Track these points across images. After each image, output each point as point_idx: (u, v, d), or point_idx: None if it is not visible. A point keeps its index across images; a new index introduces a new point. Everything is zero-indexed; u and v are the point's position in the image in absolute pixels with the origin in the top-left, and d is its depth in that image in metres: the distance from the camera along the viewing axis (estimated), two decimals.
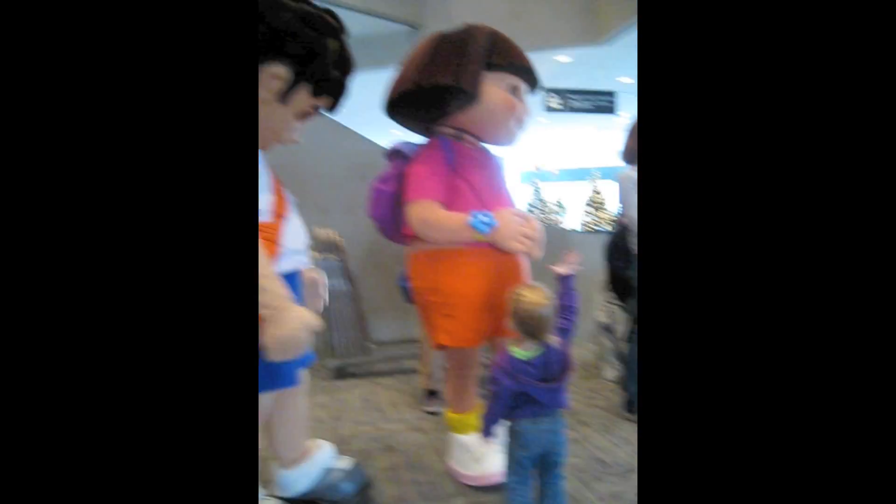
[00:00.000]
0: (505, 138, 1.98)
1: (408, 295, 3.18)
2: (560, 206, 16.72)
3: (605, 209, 15.08)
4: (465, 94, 1.79)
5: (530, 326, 1.53)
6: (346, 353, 3.50)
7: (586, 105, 7.32)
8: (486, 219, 1.73)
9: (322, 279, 1.68)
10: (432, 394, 2.88)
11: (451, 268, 1.82)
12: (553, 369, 1.56)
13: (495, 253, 1.80)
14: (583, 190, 16.23)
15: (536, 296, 1.55)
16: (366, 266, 3.97)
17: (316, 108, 1.52)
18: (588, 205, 15.86)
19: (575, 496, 1.87)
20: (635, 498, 1.84)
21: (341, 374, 3.50)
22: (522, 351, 1.55)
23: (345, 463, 1.85)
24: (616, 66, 7.03)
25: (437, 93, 1.79)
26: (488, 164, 1.96)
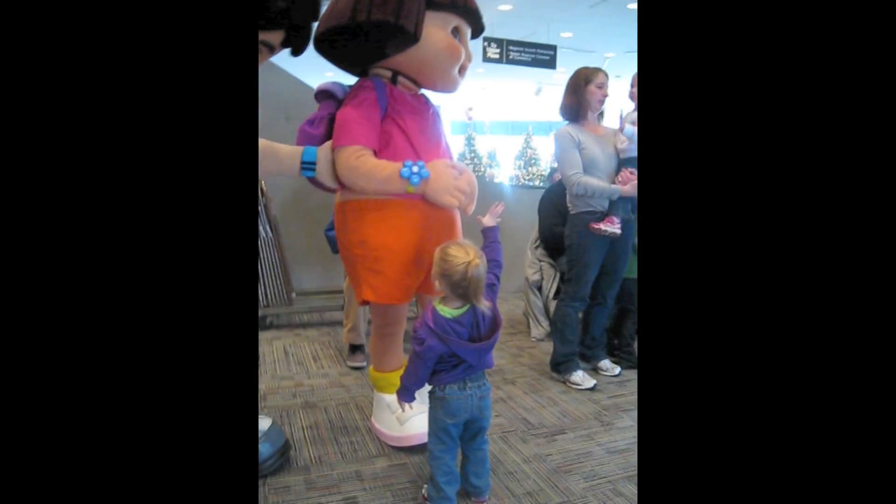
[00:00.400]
0: (445, 85, 1.82)
1: (334, 245, 3.05)
2: (492, 159, 16.69)
3: (536, 164, 15.20)
4: (404, 34, 1.62)
5: (463, 288, 1.43)
6: (268, 303, 3.34)
7: (525, 57, 7.17)
8: (417, 170, 1.61)
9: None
10: (356, 348, 2.79)
11: (379, 220, 1.69)
12: (482, 327, 1.49)
13: (427, 206, 1.69)
14: (514, 144, 16.26)
15: (468, 254, 1.44)
16: (289, 212, 3.77)
17: (267, 46, 1.32)
18: (518, 158, 15.93)
19: (499, 457, 1.85)
20: (561, 460, 1.85)
21: (262, 324, 3.34)
22: (449, 309, 1.46)
23: (263, 422, 1.73)
24: (558, 19, 6.91)
25: (373, 30, 1.62)
26: (425, 112, 1.81)
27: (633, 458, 1.86)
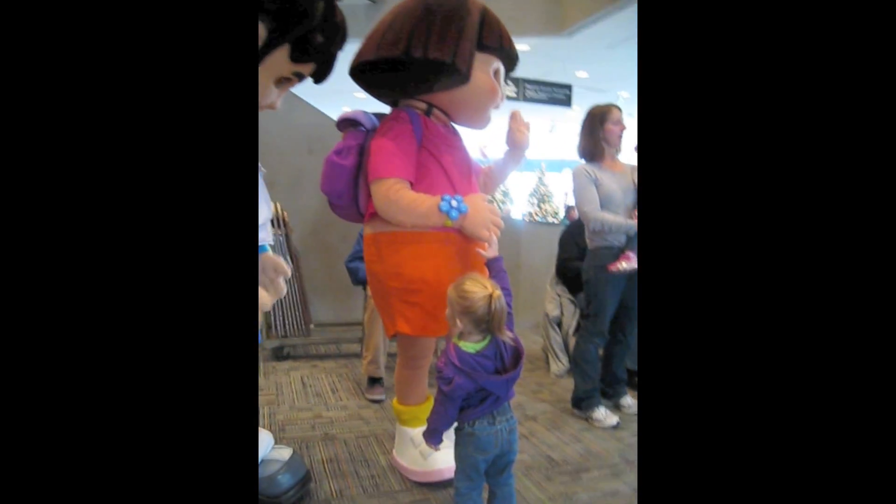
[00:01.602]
0: (479, 123, 1.86)
1: (355, 276, 3.06)
2: (506, 194, 16.78)
3: (549, 201, 15.25)
4: (457, 74, 1.65)
5: (486, 322, 1.41)
6: (285, 334, 3.33)
7: (541, 96, 7.29)
8: (456, 204, 1.62)
9: (286, 270, 1.54)
10: (375, 381, 2.76)
11: (416, 253, 1.69)
12: (505, 358, 1.46)
13: (460, 239, 1.69)
14: (528, 181, 16.35)
15: (486, 287, 1.41)
16: (308, 244, 3.80)
17: (297, 76, 1.36)
18: (532, 195, 16.00)
19: (525, 496, 1.81)
20: (587, 499, 1.80)
21: (279, 355, 3.33)
22: (471, 344, 1.43)
23: (283, 453, 1.71)
24: (574, 59, 7.03)
25: (427, 67, 1.63)
26: (458, 144, 1.83)
27: None
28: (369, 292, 2.87)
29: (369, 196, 1.74)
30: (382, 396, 2.69)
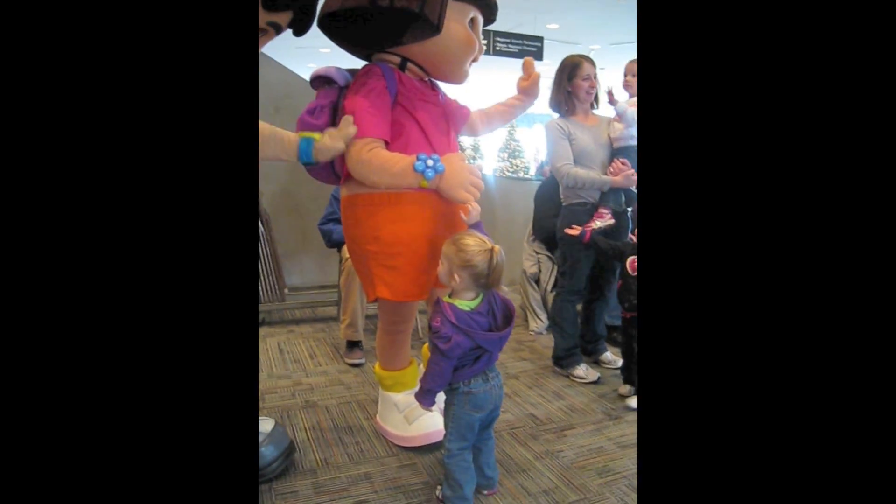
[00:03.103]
0: (455, 77, 1.76)
1: (328, 239, 2.98)
2: (476, 149, 16.62)
3: (520, 156, 15.16)
4: (427, 25, 1.55)
5: (486, 277, 1.39)
6: (260, 300, 3.25)
7: (512, 49, 7.10)
8: (431, 164, 1.54)
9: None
10: (354, 344, 2.72)
11: (393, 215, 1.62)
12: (497, 315, 1.45)
13: (440, 200, 1.62)
14: (498, 136, 16.19)
15: (485, 242, 1.40)
16: (279, 206, 3.69)
17: (274, 27, 1.24)
18: (502, 150, 15.87)
19: (510, 454, 1.81)
20: (573, 456, 1.81)
21: None
22: (465, 301, 1.42)
23: (265, 425, 1.67)
24: (545, 10, 6.85)
25: (394, 17, 1.53)
26: (435, 99, 1.73)
27: None
28: (344, 254, 2.81)
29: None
30: (362, 360, 2.66)
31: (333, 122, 1.66)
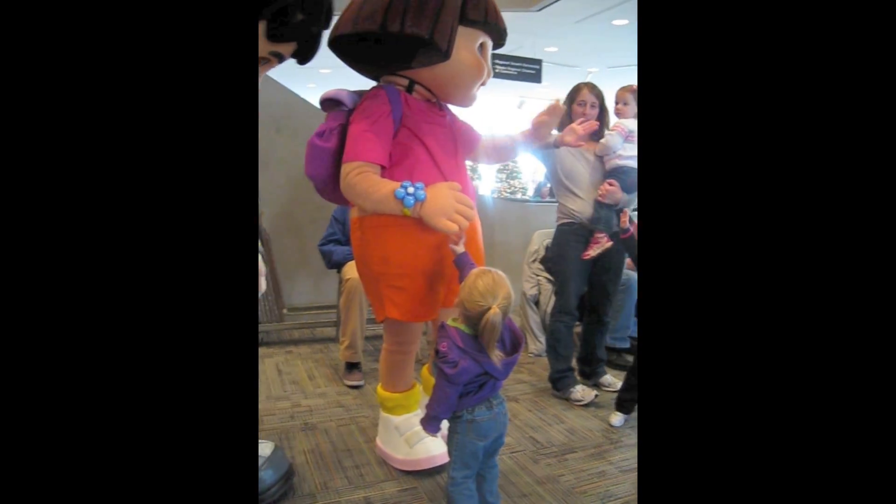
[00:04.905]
0: (463, 101, 1.77)
1: (328, 260, 2.98)
2: (474, 170, 16.70)
3: (517, 177, 15.22)
4: (436, 51, 1.57)
5: (477, 330, 1.35)
6: (259, 320, 3.24)
7: (511, 71, 7.18)
8: (413, 191, 1.51)
9: (262, 268, 1.48)
10: (353, 366, 2.71)
11: (402, 236, 1.62)
12: (506, 341, 1.43)
13: None
14: None
15: (494, 298, 1.34)
16: (278, 226, 3.69)
17: (276, 56, 1.26)
18: (500, 171, 15.94)
19: (511, 478, 1.80)
20: (574, 481, 1.79)
21: None
22: (469, 327, 1.38)
23: (265, 448, 1.66)
24: (544, 34, 6.94)
25: (404, 43, 1.55)
26: (441, 121, 1.74)
27: None
28: (344, 275, 2.81)
29: None
30: (361, 382, 2.64)
31: (342, 144, 1.67)
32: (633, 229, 2.28)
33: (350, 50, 1.67)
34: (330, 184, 1.71)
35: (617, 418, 2.23)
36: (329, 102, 1.73)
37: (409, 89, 1.70)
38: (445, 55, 1.58)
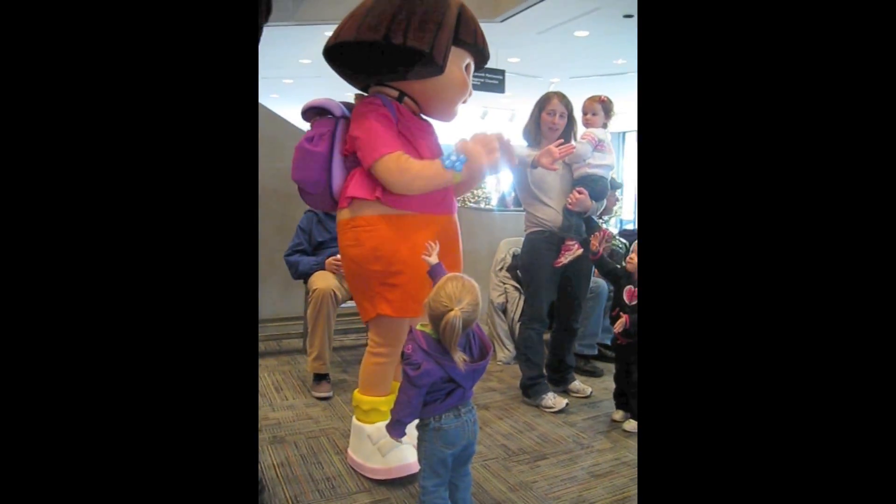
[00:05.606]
0: (446, 116, 1.90)
1: (295, 270, 2.94)
2: None
3: (482, 187, 15.32)
4: (433, 65, 1.67)
5: (438, 331, 1.34)
6: None
7: (475, 82, 7.21)
8: (455, 158, 1.67)
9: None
10: (321, 377, 2.67)
11: (396, 235, 1.71)
12: (473, 349, 1.42)
13: (439, 219, 1.76)
14: None
15: (459, 301, 1.32)
16: None
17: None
18: None
19: (483, 486, 1.79)
20: (547, 487, 1.80)
21: None
22: (433, 328, 1.36)
23: None
24: (507, 44, 7.02)
25: (404, 54, 1.64)
26: (430, 132, 1.86)
27: (619, 481, 1.84)
28: (311, 286, 2.77)
29: (343, 182, 1.78)
30: (330, 393, 2.61)
31: (332, 149, 1.77)
32: (602, 251, 2.37)
33: (348, 57, 1.74)
34: (319, 187, 1.80)
35: (631, 425, 2.28)
36: (312, 111, 1.82)
37: (399, 100, 1.80)
38: (440, 70, 1.69)
